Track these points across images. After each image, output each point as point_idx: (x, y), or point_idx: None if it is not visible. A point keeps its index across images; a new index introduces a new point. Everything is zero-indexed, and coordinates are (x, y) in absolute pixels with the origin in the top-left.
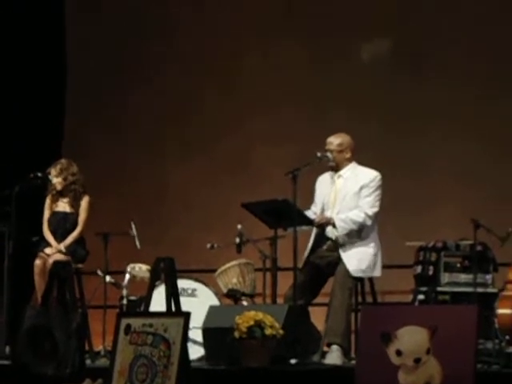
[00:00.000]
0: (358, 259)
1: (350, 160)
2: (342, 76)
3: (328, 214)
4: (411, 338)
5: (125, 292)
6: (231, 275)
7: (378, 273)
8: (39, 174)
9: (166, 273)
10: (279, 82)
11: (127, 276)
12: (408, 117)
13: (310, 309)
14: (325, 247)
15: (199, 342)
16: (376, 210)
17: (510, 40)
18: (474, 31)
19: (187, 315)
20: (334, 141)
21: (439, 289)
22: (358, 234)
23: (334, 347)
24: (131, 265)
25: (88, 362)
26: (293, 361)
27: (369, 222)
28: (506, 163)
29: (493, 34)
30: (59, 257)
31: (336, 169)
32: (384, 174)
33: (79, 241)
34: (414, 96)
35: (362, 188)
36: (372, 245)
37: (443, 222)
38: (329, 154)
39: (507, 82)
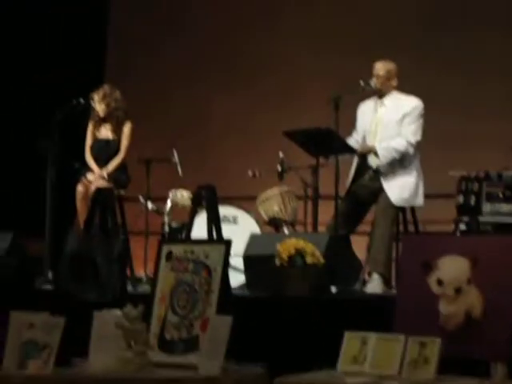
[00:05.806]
0: (400, 188)
1: (395, 88)
2: (382, 11)
3: (369, 142)
4: (452, 268)
5: (166, 219)
6: (273, 203)
7: (420, 202)
8: (82, 101)
9: (208, 200)
10: (322, 19)
11: (169, 203)
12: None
13: (352, 237)
14: (367, 176)
15: (240, 270)
16: (418, 138)
17: None
18: None
19: (228, 242)
20: (383, 67)
21: (481, 219)
22: (400, 163)
23: (375, 276)
24: (173, 191)
25: (129, 288)
26: (333, 289)
27: (411, 151)
28: None
29: None
30: (101, 183)
31: (381, 95)
32: (427, 106)
33: (121, 167)
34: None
35: (404, 116)
36: (414, 174)
37: (486, 154)
38: (372, 83)
39: None
